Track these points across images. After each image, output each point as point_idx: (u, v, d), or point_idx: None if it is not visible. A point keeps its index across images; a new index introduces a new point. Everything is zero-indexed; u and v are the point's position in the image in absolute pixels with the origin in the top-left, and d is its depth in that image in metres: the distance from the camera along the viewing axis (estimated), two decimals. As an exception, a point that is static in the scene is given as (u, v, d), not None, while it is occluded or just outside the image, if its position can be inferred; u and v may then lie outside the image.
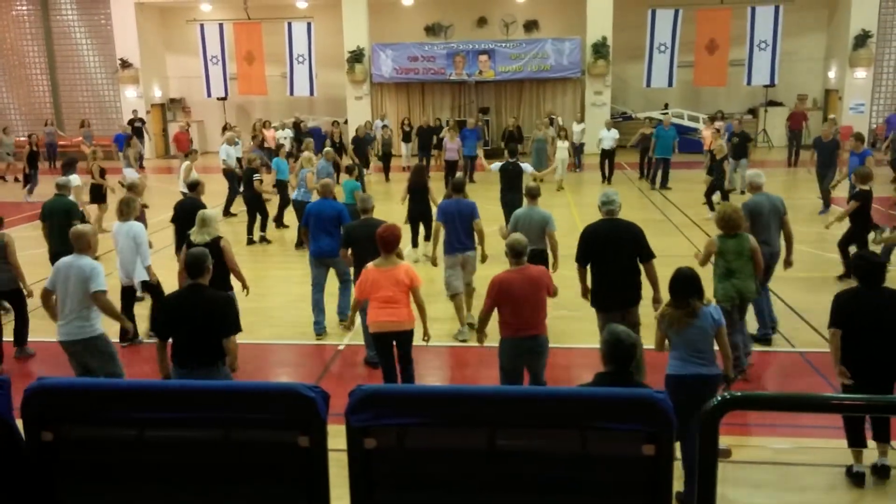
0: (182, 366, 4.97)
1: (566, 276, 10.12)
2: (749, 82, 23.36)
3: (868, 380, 4.96)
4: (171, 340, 5.03)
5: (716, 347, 5.04)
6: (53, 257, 8.34)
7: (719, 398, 2.27)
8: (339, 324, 8.26)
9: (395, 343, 6.11)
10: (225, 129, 22.67)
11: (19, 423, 2.53)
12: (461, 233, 8.11)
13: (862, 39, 22.77)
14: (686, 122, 22.90)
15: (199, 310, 4.94)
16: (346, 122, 22.48)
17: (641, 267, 6.38)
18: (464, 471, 2.53)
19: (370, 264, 6.08)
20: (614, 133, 18.61)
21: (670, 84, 23.58)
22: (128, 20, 25.15)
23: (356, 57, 24.33)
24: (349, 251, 7.29)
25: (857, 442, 5.14)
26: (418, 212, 10.90)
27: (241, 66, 25.08)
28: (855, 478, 5.16)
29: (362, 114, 24.40)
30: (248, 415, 2.47)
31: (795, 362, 7.29)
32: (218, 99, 25.58)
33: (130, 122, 23.96)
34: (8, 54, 26.60)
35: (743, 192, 15.58)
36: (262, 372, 7.41)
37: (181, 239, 8.25)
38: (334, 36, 24.65)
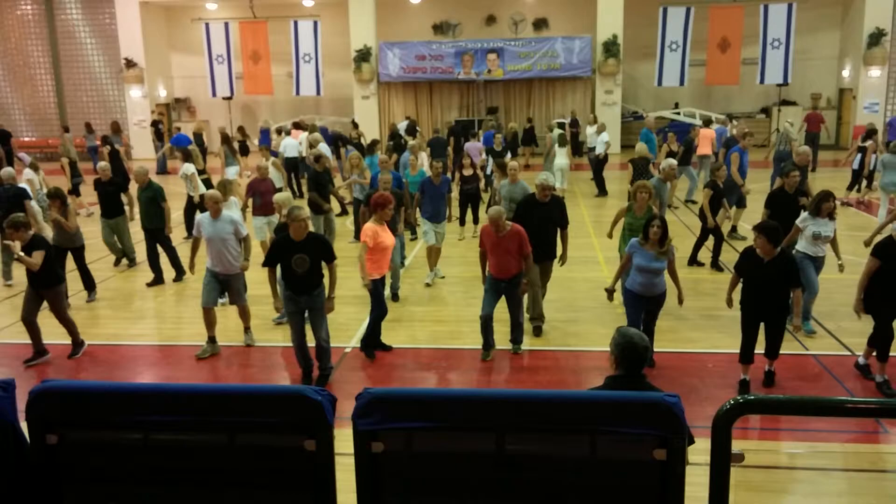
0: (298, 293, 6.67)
1: (574, 278, 10.07)
2: (762, 81, 23.21)
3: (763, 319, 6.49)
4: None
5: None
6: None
7: (731, 402, 2.22)
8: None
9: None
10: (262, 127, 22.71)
11: (24, 425, 2.51)
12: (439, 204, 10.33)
13: (876, 38, 22.58)
14: (697, 122, 22.74)
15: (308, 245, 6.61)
16: (352, 121, 22.38)
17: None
18: (472, 475, 2.50)
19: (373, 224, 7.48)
20: (604, 136, 16.90)
21: (682, 83, 23.46)
22: (132, 19, 25.20)
23: (363, 56, 24.30)
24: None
25: (746, 359, 6.64)
26: (471, 196, 12.69)
27: (246, 66, 25.09)
28: (742, 385, 6.64)
29: (369, 114, 24.39)
30: (254, 418, 2.45)
31: (809, 365, 7.22)
32: (223, 99, 25.61)
33: (154, 124, 24.11)
34: (12, 54, 26.71)
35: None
36: (268, 375, 7.40)
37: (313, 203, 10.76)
38: (341, 35, 24.65)
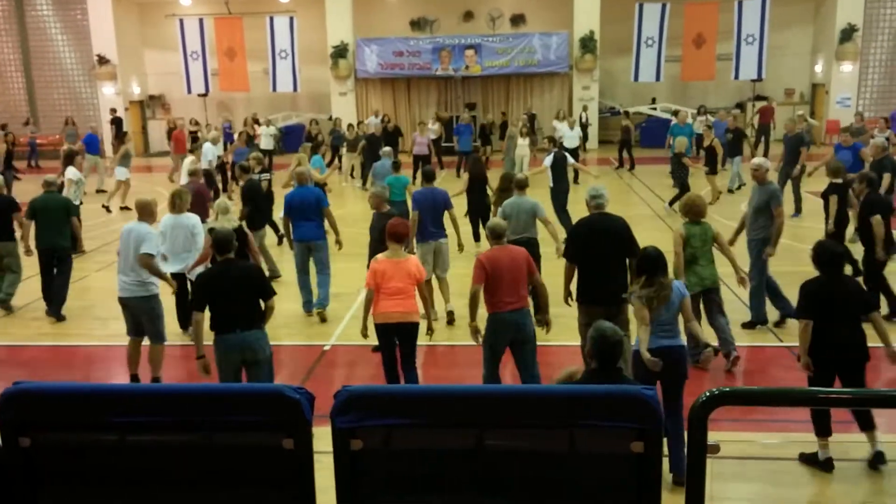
0: (224, 332, 5.41)
1: (558, 272, 10.09)
2: (737, 76, 23.46)
3: (838, 368, 5.16)
4: (209, 312, 5.51)
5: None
6: (43, 253, 8.88)
7: (707, 394, 2.25)
8: (315, 313, 8.63)
9: (397, 339, 6.20)
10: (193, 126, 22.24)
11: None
12: (433, 221, 8.40)
13: (848, 33, 22.92)
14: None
15: (235, 280, 5.46)
16: (329, 118, 22.23)
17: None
18: (452, 471, 2.51)
19: (380, 256, 6.25)
20: (577, 131, 18.23)
21: (658, 78, 23.64)
22: (105, 15, 24.81)
23: (340, 52, 24.20)
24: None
25: (823, 432, 5.24)
26: (481, 204, 11.03)
27: (222, 62, 24.83)
28: (824, 465, 5.25)
29: (347, 110, 24.28)
30: (231, 417, 2.43)
31: (783, 357, 7.32)
32: (199, 95, 25.33)
33: (114, 122, 23.79)
34: (-19, 51, 26.26)
35: (739, 188, 15.65)
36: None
37: (252, 219, 9.46)
38: (317, 30, 24.51)
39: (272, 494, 2.49)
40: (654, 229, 11.92)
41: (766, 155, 20.51)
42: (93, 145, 17.94)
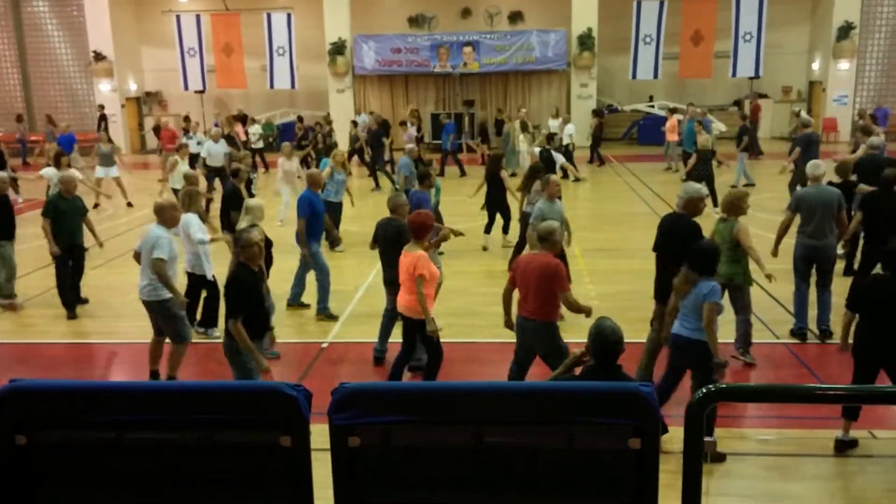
0: (260, 336, 5.49)
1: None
2: (734, 74, 23.48)
3: (887, 368, 5.22)
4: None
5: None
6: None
7: (704, 390, 2.25)
8: (316, 317, 8.69)
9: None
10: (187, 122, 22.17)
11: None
12: None
13: (845, 31, 22.93)
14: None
15: (265, 287, 5.70)
16: (327, 116, 22.23)
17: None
18: (450, 468, 2.51)
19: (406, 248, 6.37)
20: (570, 128, 18.50)
21: (656, 76, 23.65)
22: (101, 11, 24.73)
23: (338, 49, 24.17)
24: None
25: (852, 415, 5.34)
26: (496, 200, 11.20)
27: (219, 59, 24.75)
28: (841, 444, 5.40)
29: (345, 107, 24.27)
30: (228, 415, 2.43)
31: (780, 354, 7.33)
32: (196, 92, 25.27)
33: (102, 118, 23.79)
34: (-23, 48, 26.19)
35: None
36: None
37: (225, 223, 9.06)
38: (315, 27, 24.47)
39: (270, 492, 2.48)
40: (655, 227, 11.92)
41: (754, 153, 20.51)
42: (67, 144, 17.31)
